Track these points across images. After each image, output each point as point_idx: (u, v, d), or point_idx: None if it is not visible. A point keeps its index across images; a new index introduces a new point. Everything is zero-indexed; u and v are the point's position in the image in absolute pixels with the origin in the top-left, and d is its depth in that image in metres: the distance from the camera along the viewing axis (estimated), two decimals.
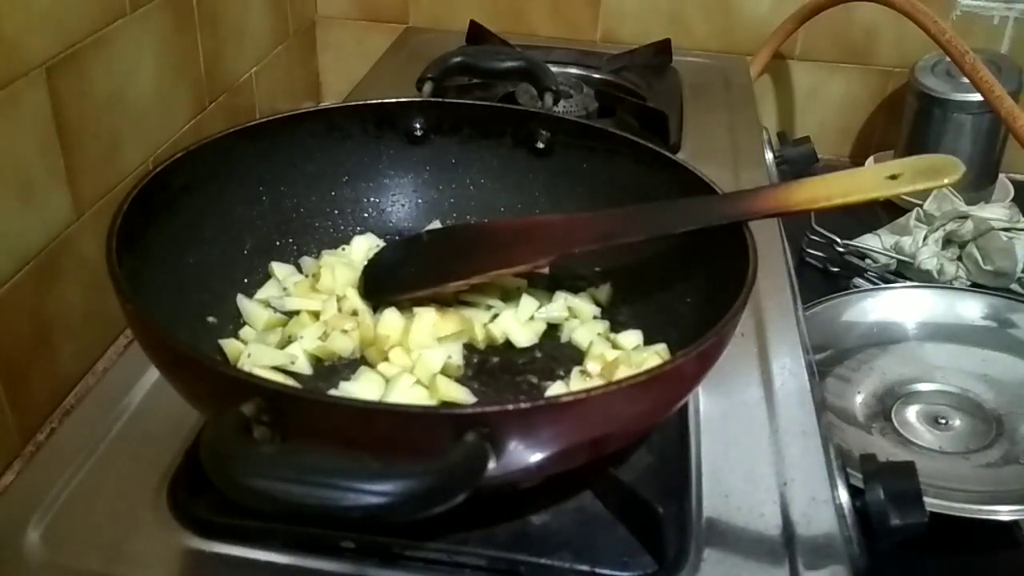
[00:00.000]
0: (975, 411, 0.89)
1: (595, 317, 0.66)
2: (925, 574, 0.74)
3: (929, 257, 1.06)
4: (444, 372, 0.59)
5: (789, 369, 0.68)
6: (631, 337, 0.63)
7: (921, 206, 1.14)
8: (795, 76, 1.35)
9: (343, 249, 0.70)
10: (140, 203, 0.56)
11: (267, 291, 0.66)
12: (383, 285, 0.65)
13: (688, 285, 0.63)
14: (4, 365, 0.72)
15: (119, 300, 0.48)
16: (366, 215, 0.73)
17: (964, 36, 1.05)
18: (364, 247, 0.70)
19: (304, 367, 0.60)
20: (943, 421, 0.87)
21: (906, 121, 1.25)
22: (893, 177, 0.57)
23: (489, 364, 0.63)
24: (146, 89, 0.89)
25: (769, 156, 1.05)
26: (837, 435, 0.76)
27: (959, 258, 1.08)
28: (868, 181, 0.58)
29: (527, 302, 0.65)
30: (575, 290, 0.68)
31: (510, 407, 0.42)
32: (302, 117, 0.69)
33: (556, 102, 0.85)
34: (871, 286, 1.06)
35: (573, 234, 0.63)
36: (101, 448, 0.58)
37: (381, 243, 0.71)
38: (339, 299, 0.64)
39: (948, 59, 1.09)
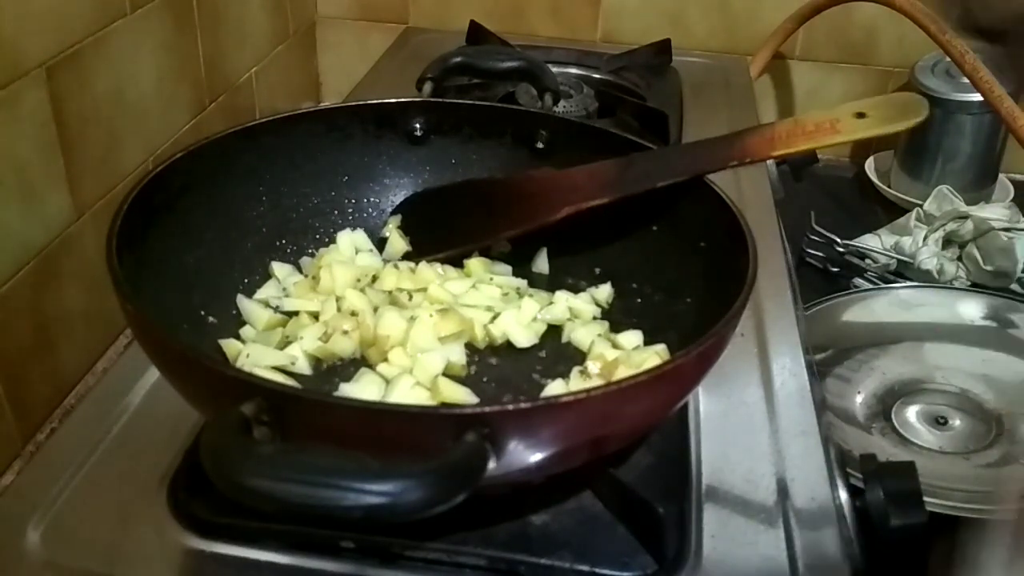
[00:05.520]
0: (975, 411, 0.89)
1: (595, 317, 0.66)
2: (925, 574, 0.73)
3: (929, 257, 1.06)
4: (449, 372, 0.59)
5: (789, 369, 0.68)
6: (631, 337, 0.63)
7: (921, 206, 1.14)
8: (795, 76, 1.35)
9: (331, 246, 0.70)
10: (140, 203, 0.56)
11: (267, 291, 0.66)
12: (423, 243, 0.71)
13: (688, 285, 0.63)
14: (4, 365, 0.72)
15: (119, 300, 0.48)
16: (366, 215, 0.73)
17: None
18: (349, 243, 0.70)
19: (304, 368, 0.60)
20: (943, 421, 0.87)
21: None
22: (861, 116, 0.59)
23: (489, 364, 0.63)
24: (146, 89, 0.89)
25: None
26: (837, 435, 0.76)
27: (959, 258, 1.08)
28: (839, 122, 0.60)
29: (528, 303, 0.65)
30: (575, 291, 0.68)
31: (510, 407, 0.42)
32: (302, 117, 0.69)
33: (556, 102, 0.85)
34: (871, 286, 1.06)
35: (593, 182, 0.65)
36: (101, 448, 0.58)
37: (367, 239, 0.71)
38: (339, 299, 0.64)
39: (948, 59, 1.09)
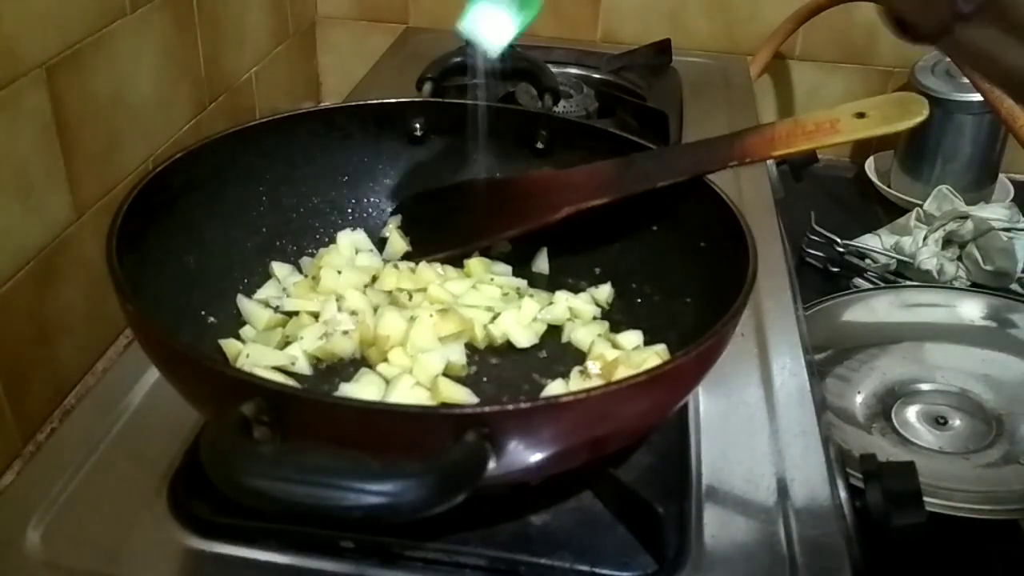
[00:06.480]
0: (975, 411, 0.89)
1: (595, 318, 0.66)
2: (925, 574, 0.74)
3: (929, 257, 1.06)
4: (449, 372, 0.59)
5: (789, 369, 0.68)
6: (631, 337, 0.63)
7: (921, 206, 1.14)
8: (795, 76, 1.35)
9: (331, 246, 0.70)
10: (140, 203, 0.56)
11: (267, 291, 0.66)
12: (423, 243, 0.71)
13: (688, 285, 0.63)
14: (4, 365, 0.72)
15: (119, 300, 0.48)
16: (366, 215, 0.73)
17: None
18: (349, 243, 0.70)
19: (304, 368, 0.60)
20: (943, 421, 0.87)
21: None
22: (861, 116, 0.59)
23: (489, 364, 0.63)
24: (146, 89, 0.89)
25: None
26: (837, 435, 0.76)
27: (959, 258, 1.08)
28: (838, 122, 0.60)
29: (528, 303, 0.65)
30: (575, 291, 0.68)
31: (510, 407, 0.42)
32: (302, 117, 0.69)
33: (556, 102, 0.85)
34: (871, 286, 1.06)
35: (593, 182, 0.65)
36: (101, 448, 0.58)
37: (367, 239, 0.71)
38: (339, 299, 0.64)
39: (948, 59, 1.09)
